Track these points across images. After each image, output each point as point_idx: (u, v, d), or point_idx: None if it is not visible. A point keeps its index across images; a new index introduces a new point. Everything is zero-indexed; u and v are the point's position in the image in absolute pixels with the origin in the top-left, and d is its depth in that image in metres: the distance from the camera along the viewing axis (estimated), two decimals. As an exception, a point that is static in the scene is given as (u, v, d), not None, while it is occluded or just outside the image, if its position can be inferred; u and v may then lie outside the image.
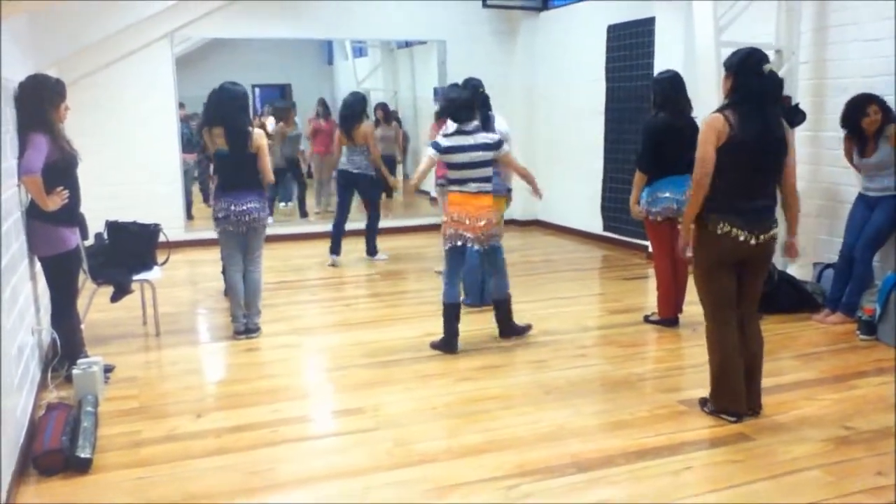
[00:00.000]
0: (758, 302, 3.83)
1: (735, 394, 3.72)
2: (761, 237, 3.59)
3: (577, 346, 5.06)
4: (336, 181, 8.05)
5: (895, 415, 3.79)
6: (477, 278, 5.97)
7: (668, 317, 5.37)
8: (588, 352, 4.98)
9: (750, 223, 3.56)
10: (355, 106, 7.63)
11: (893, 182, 5.14)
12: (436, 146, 4.88)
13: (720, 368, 3.73)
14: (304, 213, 10.76)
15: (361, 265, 7.89)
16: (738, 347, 3.71)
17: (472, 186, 4.84)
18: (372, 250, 8.04)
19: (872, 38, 5.47)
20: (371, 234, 8.03)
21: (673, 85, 5.23)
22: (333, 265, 7.73)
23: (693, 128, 4.79)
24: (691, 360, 4.70)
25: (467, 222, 4.82)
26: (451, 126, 5.02)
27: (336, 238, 7.78)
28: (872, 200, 5.25)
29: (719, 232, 3.57)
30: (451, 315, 4.95)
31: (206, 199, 10.21)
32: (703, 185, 3.59)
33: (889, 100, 5.21)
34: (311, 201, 10.97)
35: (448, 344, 4.94)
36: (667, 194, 5.11)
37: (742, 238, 3.56)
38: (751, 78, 3.54)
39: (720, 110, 3.60)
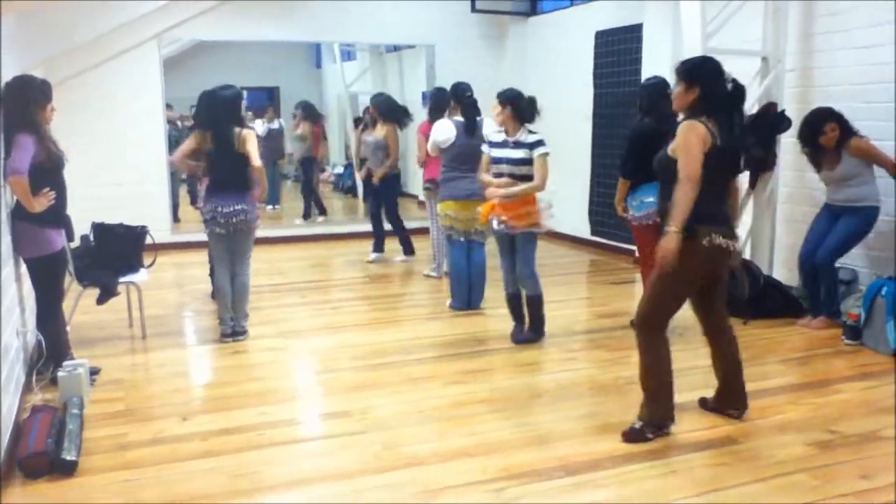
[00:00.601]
0: (726, 306, 3.87)
1: (671, 402, 3.71)
2: (736, 244, 3.58)
3: (566, 350, 5.08)
4: None
5: (895, 418, 3.83)
6: (463, 282, 5.98)
7: (655, 321, 5.39)
8: (576, 355, 5.00)
9: (730, 230, 3.54)
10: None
11: (858, 193, 5.16)
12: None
13: (660, 382, 3.66)
14: (307, 215, 10.66)
15: (350, 268, 7.89)
16: (670, 356, 3.71)
17: None
18: (376, 247, 8.16)
19: (863, 45, 5.50)
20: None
21: (659, 91, 5.26)
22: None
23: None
24: (676, 364, 4.67)
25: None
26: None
27: (403, 241, 8.10)
28: (837, 210, 5.28)
29: (706, 244, 3.44)
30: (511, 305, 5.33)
31: (193, 202, 10.16)
32: (697, 190, 3.53)
33: (889, 107, 5.25)
34: (301, 204, 10.92)
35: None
36: (651, 199, 5.11)
37: (727, 247, 3.50)
38: (717, 87, 3.47)
39: (694, 118, 3.48)
